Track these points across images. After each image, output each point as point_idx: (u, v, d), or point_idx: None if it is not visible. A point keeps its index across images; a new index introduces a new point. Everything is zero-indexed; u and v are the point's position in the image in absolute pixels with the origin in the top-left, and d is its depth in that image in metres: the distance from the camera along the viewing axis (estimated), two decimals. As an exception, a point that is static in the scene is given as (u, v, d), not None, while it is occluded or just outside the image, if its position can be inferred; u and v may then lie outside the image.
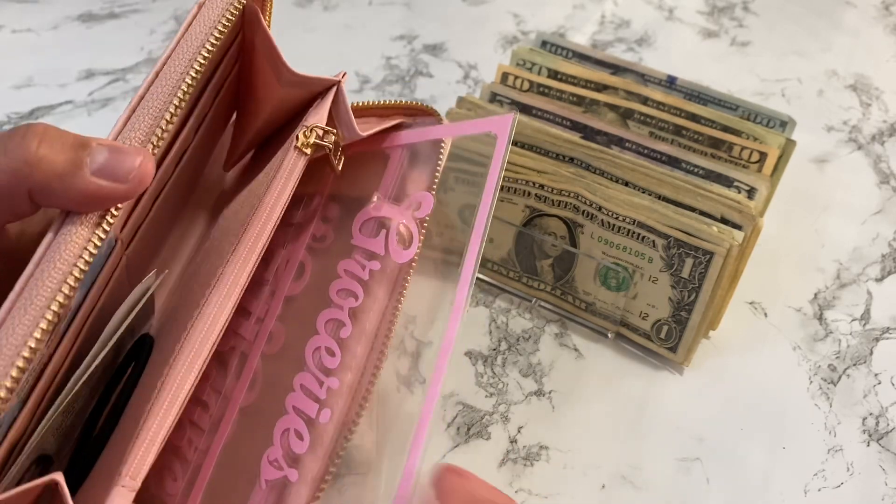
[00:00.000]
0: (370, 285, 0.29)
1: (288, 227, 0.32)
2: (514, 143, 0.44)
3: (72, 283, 0.21)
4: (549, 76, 0.49)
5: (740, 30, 0.75)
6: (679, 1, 0.78)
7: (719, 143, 0.45)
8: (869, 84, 0.69)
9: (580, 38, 0.72)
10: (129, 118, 0.24)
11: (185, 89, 0.25)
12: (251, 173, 0.32)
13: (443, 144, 0.30)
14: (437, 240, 0.48)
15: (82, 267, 0.22)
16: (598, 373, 0.44)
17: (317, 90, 0.29)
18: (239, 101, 0.32)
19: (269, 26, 0.28)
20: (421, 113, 0.32)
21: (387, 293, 0.29)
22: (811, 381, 0.45)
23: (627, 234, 0.42)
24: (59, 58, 0.65)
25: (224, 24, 0.26)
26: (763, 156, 0.44)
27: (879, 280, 0.51)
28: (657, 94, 0.47)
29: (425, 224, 0.29)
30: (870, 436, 0.42)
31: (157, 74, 0.25)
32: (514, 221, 0.45)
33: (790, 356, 0.46)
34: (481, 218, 0.27)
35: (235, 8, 0.26)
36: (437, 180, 0.30)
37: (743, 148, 0.44)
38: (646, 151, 0.44)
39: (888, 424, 0.43)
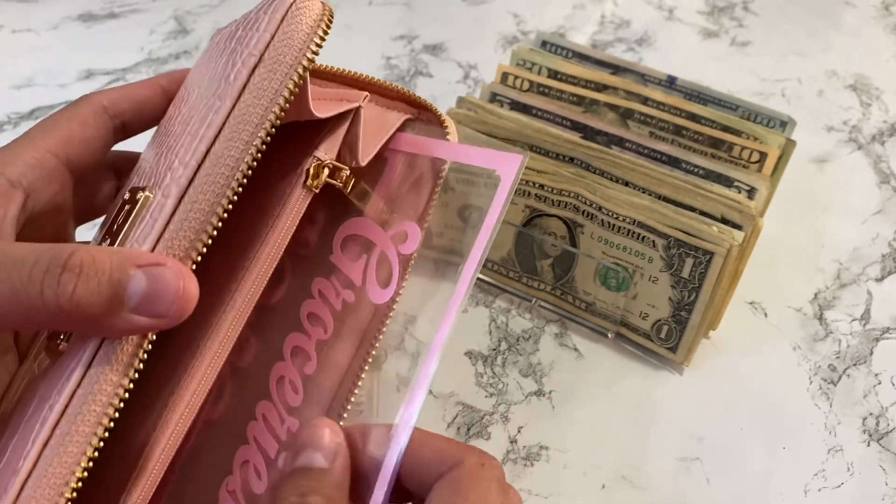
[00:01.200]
0: (341, 320, 0.27)
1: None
2: (514, 144, 0.45)
3: (107, 422, 0.21)
4: (549, 76, 0.49)
5: (740, 30, 0.75)
6: (679, 1, 0.78)
7: (719, 143, 0.45)
8: (869, 84, 0.69)
9: (580, 39, 0.72)
10: (174, 211, 0.22)
11: (238, 182, 0.22)
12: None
13: (443, 168, 0.27)
14: (438, 240, 0.48)
15: (117, 405, 0.21)
16: (598, 373, 0.44)
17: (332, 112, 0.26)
18: None
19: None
20: (423, 108, 0.29)
21: (356, 339, 0.27)
22: (811, 381, 0.45)
23: (627, 234, 0.42)
24: (59, 58, 0.65)
25: (286, 98, 0.22)
26: (763, 156, 0.44)
27: (879, 280, 0.51)
28: (657, 94, 0.47)
29: (410, 263, 0.27)
30: (870, 436, 0.42)
31: (201, 160, 0.22)
32: (514, 221, 0.45)
33: (790, 356, 0.46)
34: (472, 261, 0.24)
35: (303, 69, 0.23)
36: (430, 211, 0.27)
37: (743, 148, 0.44)
38: (646, 151, 0.44)
39: (888, 424, 0.43)
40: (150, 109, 0.28)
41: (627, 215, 0.41)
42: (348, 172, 0.26)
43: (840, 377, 0.45)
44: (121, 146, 0.29)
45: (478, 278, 0.49)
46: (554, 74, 0.49)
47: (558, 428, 0.41)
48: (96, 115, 0.27)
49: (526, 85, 0.49)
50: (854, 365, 0.46)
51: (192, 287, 0.21)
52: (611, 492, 0.39)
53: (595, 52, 0.52)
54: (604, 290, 0.44)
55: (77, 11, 0.70)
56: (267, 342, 0.28)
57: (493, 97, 0.48)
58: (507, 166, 0.24)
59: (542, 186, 0.43)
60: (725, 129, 0.45)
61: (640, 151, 0.44)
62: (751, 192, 0.42)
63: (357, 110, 0.26)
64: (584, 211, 0.43)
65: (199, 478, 0.28)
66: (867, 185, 0.59)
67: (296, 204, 0.25)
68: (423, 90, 0.64)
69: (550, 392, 0.43)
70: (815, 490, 0.39)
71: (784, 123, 0.47)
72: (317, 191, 0.25)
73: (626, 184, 0.42)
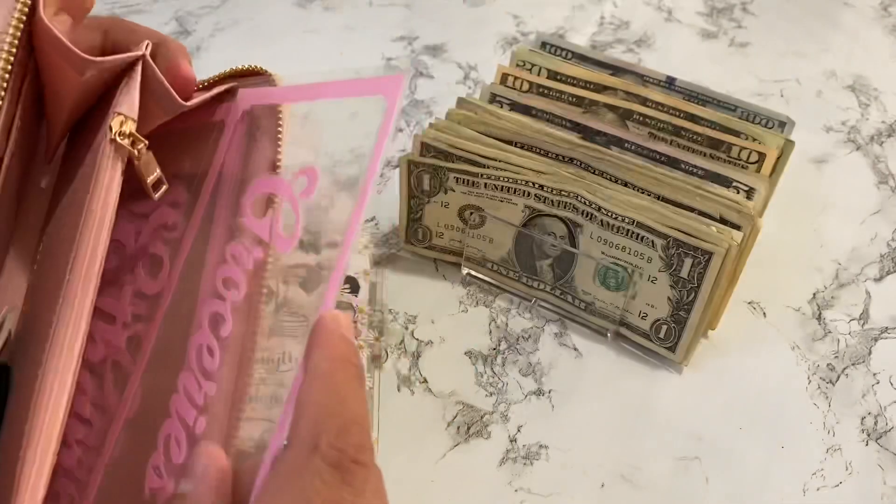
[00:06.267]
0: (253, 277, 0.26)
1: (137, 217, 0.30)
2: (514, 144, 0.45)
3: None
4: (548, 77, 0.49)
5: (739, 31, 0.75)
6: (678, 2, 0.79)
7: (718, 144, 0.45)
8: (867, 85, 0.69)
9: (580, 40, 0.72)
10: None
11: None
12: (70, 163, 0.30)
13: (280, 111, 0.27)
14: (438, 240, 0.49)
15: None
16: (598, 372, 0.44)
17: (122, 68, 0.26)
18: (44, 102, 0.29)
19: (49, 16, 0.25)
20: (250, 74, 0.28)
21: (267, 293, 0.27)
22: (810, 381, 0.45)
23: (627, 235, 0.42)
24: (60, 59, 0.65)
25: (11, 44, 0.23)
26: (762, 156, 0.44)
27: (878, 280, 0.51)
28: (656, 95, 0.47)
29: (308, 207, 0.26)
30: (868, 435, 0.42)
31: None
32: (513, 221, 0.45)
33: (789, 356, 0.46)
34: (363, 195, 0.22)
35: (21, 14, 0.23)
36: (279, 156, 0.27)
37: (742, 148, 0.44)
38: (645, 152, 0.44)
39: (887, 424, 0.43)
40: None
41: (627, 215, 0.41)
42: (131, 122, 0.25)
43: (839, 377, 0.45)
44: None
45: (478, 278, 0.49)
46: (553, 75, 0.49)
47: (558, 427, 0.42)
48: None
49: (526, 86, 0.49)
50: (852, 364, 0.46)
51: None
52: (610, 491, 0.39)
53: (594, 52, 0.52)
54: (603, 290, 0.44)
55: (78, 12, 0.71)
56: (176, 323, 0.28)
57: (493, 98, 0.48)
58: (391, 88, 0.23)
59: (541, 187, 0.43)
60: (724, 129, 0.45)
61: (639, 152, 0.44)
62: (749, 193, 0.42)
63: (143, 59, 0.26)
64: (583, 211, 0.43)
65: (127, 470, 0.27)
66: (866, 186, 0.59)
67: (107, 161, 0.24)
68: (423, 91, 0.64)
69: (550, 391, 0.43)
70: (814, 489, 0.40)
71: (783, 124, 0.47)
72: (125, 143, 0.25)
73: (626, 184, 0.43)
